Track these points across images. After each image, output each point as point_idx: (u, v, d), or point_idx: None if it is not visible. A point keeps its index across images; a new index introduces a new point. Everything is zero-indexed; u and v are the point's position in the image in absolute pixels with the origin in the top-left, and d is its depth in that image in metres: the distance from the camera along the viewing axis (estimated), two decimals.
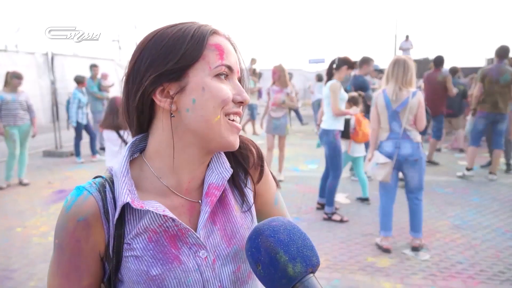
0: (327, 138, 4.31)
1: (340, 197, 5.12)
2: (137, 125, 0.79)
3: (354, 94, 4.97)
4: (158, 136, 0.77)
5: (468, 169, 5.96)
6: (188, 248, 0.76)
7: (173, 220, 0.74)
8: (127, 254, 0.74)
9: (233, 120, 0.77)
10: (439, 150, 8.05)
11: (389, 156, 3.47)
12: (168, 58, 0.72)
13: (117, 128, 3.69)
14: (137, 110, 0.76)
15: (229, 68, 0.76)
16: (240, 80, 0.80)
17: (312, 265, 0.66)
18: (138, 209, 0.74)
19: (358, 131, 4.74)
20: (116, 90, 9.39)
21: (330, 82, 4.30)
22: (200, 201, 0.80)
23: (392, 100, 3.42)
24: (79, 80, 7.50)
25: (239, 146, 0.84)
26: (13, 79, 5.75)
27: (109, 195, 0.75)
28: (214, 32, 0.76)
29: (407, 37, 15.40)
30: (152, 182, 0.78)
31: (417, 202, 3.54)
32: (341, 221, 4.31)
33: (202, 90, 0.73)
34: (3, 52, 8.31)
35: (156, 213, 0.74)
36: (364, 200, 5.02)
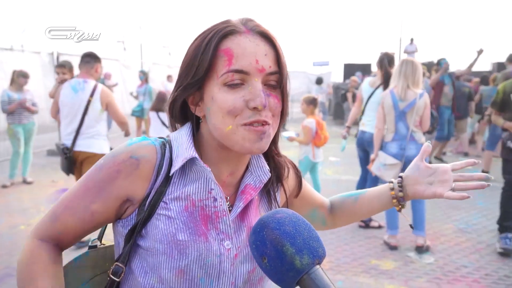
0: None
1: None
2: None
3: (313, 96, 4.57)
4: (203, 132, 0.83)
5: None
6: (216, 233, 0.79)
7: (215, 199, 0.78)
8: (161, 212, 0.77)
9: (252, 125, 0.73)
10: (444, 154, 8.02)
11: (394, 157, 3.48)
12: (189, 72, 0.77)
13: (156, 110, 5.48)
14: (180, 111, 0.83)
15: (240, 72, 0.72)
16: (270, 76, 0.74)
17: (318, 256, 0.65)
18: (185, 176, 0.79)
19: (320, 134, 4.30)
20: (119, 89, 9.41)
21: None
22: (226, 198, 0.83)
23: (400, 100, 3.42)
24: None
25: (275, 159, 0.88)
26: (20, 78, 5.78)
27: (168, 153, 0.79)
28: (231, 33, 0.73)
29: (411, 40, 15.36)
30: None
31: (418, 200, 3.55)
32: (379, 227, 4.18)
33: (212, 100, 0.75)
34: (9, 51, 8.36)
35: (203, 185, 0.78)
36: None
